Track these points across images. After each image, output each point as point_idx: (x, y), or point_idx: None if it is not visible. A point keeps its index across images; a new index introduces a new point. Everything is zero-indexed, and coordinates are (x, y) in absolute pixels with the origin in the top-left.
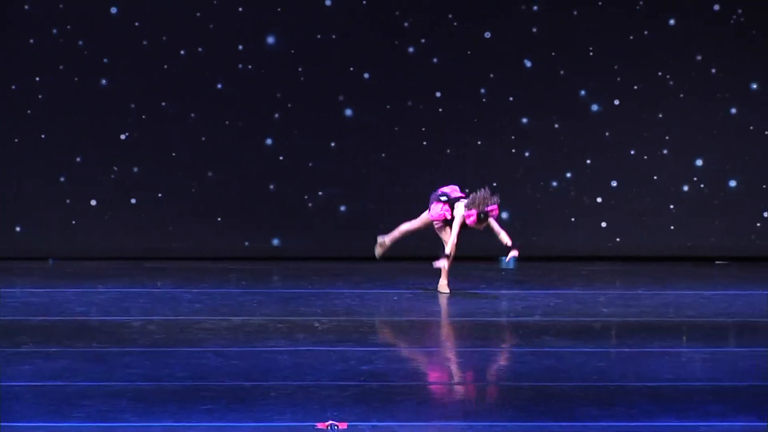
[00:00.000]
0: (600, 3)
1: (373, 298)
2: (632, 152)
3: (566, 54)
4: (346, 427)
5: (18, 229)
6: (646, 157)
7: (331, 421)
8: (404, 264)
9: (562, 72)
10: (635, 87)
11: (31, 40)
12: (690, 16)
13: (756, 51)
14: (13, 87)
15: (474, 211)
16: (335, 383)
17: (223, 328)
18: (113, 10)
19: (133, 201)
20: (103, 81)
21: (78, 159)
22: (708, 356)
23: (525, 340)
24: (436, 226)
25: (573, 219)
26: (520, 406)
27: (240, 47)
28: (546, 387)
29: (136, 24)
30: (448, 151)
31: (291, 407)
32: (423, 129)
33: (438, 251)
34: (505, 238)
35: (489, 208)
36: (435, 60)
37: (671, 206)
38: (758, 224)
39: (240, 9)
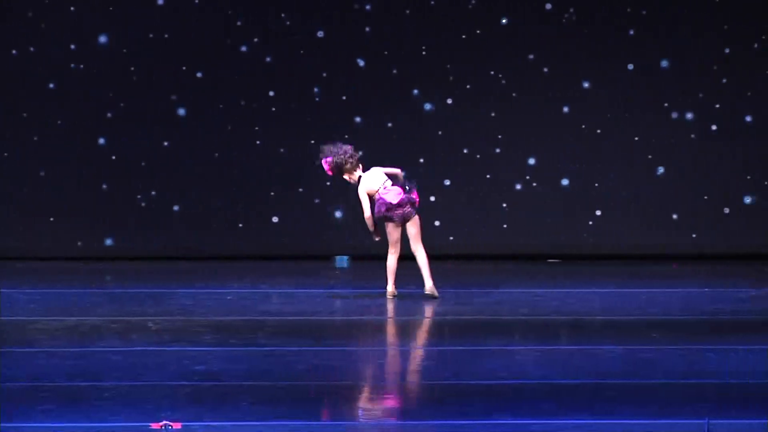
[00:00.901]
0: (432, 2)
1: (206, 297)
2: (465, 151)
3: (399, 53)
4: (180, 427)
5: None
6: (479, 156)
7: (165, 421)
8: (237, 263)
9: (395, 71)
10: (468, 86)
11: None
12: (522, 15)
13: (588, 50)
14: None
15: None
16: (169, 383)
17: (56, 328)
18: None
19: None
20: None
21: None
22: (541, 354)
23: (359, 338)
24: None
25: None
26: (350, 405)
27: (72, 47)
28: (378, 386)
29: None
30: (282, 150)
31: (125, 407)
32: (256, 128)
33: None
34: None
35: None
36: (268, 59)
37: (504, 205)
38: (590, 222)
39: (72, 8)
